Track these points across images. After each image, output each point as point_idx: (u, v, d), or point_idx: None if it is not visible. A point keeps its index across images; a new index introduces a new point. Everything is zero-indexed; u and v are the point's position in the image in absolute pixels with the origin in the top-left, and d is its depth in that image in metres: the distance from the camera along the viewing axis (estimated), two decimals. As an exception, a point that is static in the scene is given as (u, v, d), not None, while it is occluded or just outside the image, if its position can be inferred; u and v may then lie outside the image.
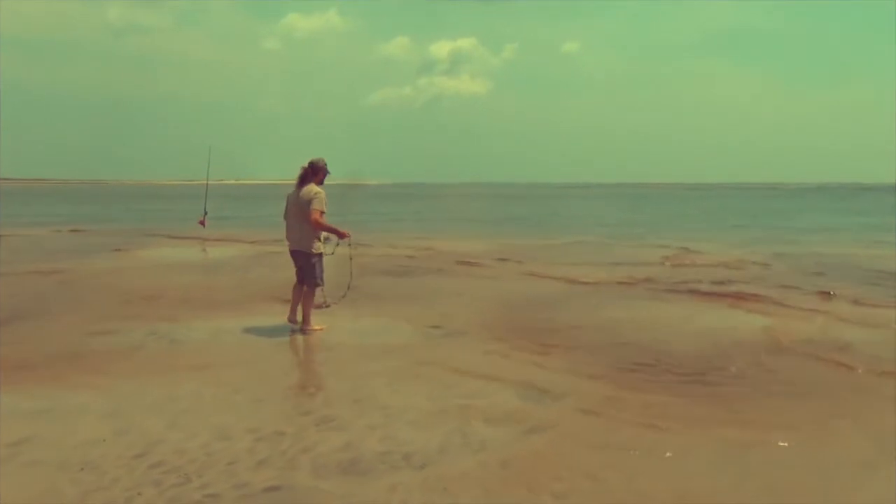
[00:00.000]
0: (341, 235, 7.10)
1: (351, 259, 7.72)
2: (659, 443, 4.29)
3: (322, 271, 7.11)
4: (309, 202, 6.82)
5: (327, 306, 7.81)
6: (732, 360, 6.19)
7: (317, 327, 7.19)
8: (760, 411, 4.91)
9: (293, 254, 7.16)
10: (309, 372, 5.81)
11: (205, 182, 21.17)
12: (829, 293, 9.63)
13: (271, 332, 7.23)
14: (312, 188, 6.92)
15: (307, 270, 7.05)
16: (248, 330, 7.32)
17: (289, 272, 11.52)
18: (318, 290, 7.26)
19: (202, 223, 20.55)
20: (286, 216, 7.16)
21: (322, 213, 6.83)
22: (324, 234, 7.04)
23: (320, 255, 7.06)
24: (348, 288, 7.96)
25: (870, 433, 4.51)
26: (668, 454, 4.12)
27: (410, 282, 10.19)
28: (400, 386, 5.52)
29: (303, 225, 6.91)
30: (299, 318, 7.24)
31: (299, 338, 7.01)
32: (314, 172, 7.01)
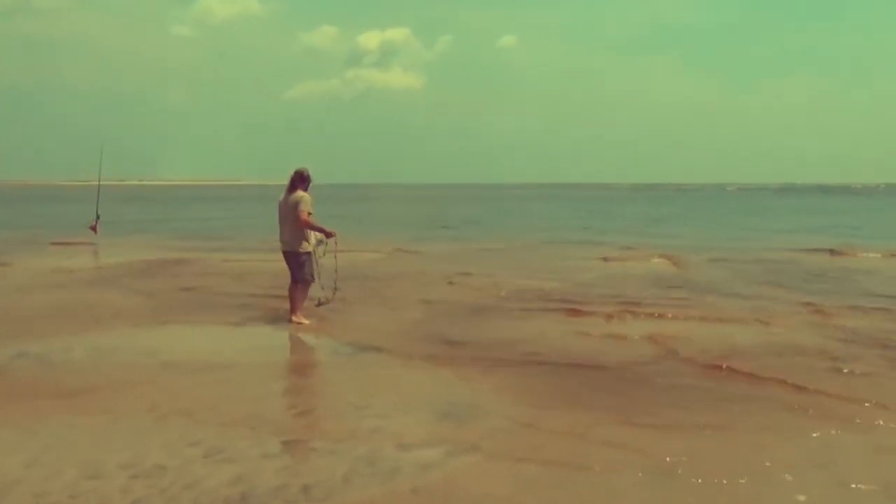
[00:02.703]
0: (328, 234, 8.18)
1: (336, 257, 8.46)
2: (584, 462, 4.24)
3: (312, 269, 8.18)
4: (296, 205, 7.93)
5: (326, 302, 8.75)
6: (666, 372, 6.25)
7: (305, 321, 8.11)
8: (688, 421, 4.95)
9: (285, 254, 8.23)
10: (200, 396, 5.51)
11: (102, 182, 20.34)
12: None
13: (159, 350, 6.88)
14: (299, 193, 8.00)
15: (296, 269, 8.10)
16: (134, 348, 6.96)
17: (187, 283, 11.33)
18: (311, 288, 8.32)
19: (94, 229, 19.70)
20: (280, 221, 8.18)
21: (309, 213, 7.95)
22: (315, 237, 8.14)
23: (308, 253, 8.13)
24: (335, 284, 8.73)
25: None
26: (592, 474, 4.08)
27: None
28: (305, 408, 5.31)
29: (292, 227, 8.02)
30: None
31: (190, 357, 6.69)
32: (301, 180, 8.08)
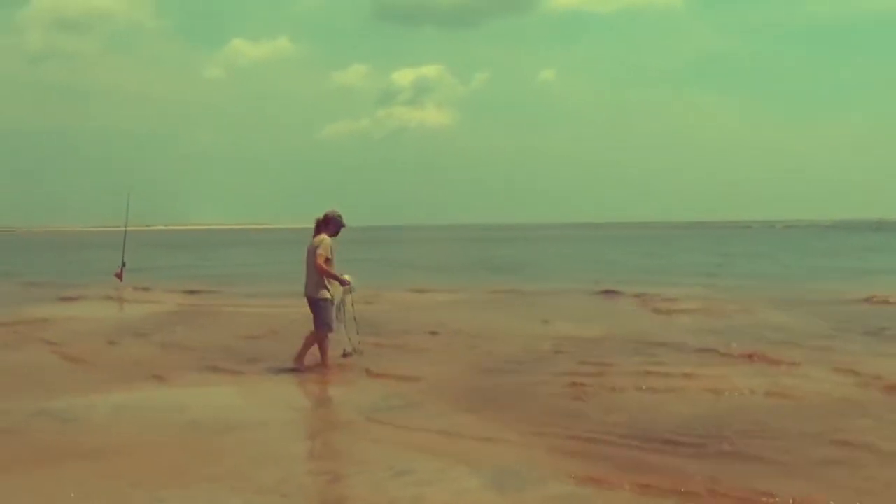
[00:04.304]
0: (342, 283, 8.13)
1: (353, 306, 8.55)
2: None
3: (330, 318, 8.06)
4: (315, 250, 7.96)
5: (348, 355, 8.57)
6: (735, 430, 5.87)
7: (302, 367, 8.08)
8: (779, 490, 4.59)
9: (307, 300, 8.20)
10: (227, 457, 5.31)
11: (130, 227, 20.65)
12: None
13: (185, 407, 6.75)
14: (320, 237, 8.04)
15: (315, 316, 8.07)
16: (158, 406, 6.85)
17: (215, 334, 11.23)
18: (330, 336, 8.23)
19: (119, 276, 19.93)
20: (305, 266, 8.25)
21: (327, 259, 7.92)
22: (334, 284, 8.07)
23: (327, 301, 8.03)
24: (357, 333, 8.68)
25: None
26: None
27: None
28: (339, 472, 5.08)
29: (311, 272, 8.06)
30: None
31: (217, 415, 6.53)
32: (325, 223, 8.12)
